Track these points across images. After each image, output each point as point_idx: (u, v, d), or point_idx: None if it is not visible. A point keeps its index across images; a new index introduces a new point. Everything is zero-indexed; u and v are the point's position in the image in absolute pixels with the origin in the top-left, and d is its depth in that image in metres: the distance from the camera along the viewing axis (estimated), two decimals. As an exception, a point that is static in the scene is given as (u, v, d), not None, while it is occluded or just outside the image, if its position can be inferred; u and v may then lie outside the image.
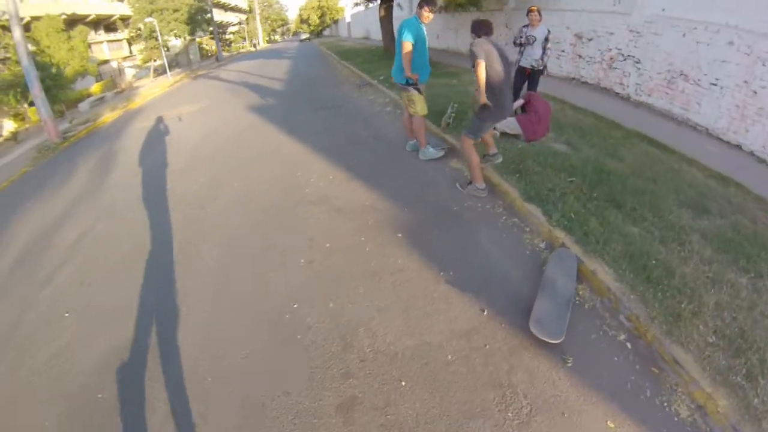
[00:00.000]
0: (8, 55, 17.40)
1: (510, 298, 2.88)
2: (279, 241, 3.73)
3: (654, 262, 2.96)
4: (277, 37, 71.18)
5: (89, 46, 23.45)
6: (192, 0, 27.45)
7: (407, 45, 4.44)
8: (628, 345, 2.53)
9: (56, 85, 14.74)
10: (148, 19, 24.26)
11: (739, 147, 5.52)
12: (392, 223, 3.77)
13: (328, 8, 49.02)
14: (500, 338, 2.59)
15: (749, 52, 5.30)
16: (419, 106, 4.84)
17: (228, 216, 4.34)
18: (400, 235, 3.57)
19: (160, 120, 10.39)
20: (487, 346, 2.54)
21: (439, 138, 5.77)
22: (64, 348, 2.93)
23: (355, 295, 3.00)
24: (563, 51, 10.04)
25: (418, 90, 4.78)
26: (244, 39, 49.48)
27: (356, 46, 25.01)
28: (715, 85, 5.95)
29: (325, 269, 3.30)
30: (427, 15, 4.47)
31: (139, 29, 26.79)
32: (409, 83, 4.73)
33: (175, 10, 25.88)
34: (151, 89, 20.34)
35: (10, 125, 19.03)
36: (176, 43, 30.84)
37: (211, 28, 30.74)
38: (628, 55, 7.88)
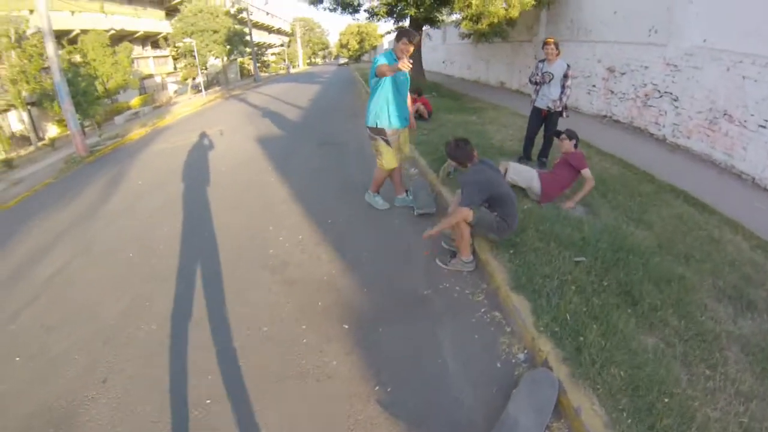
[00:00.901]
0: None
1: (453, 437, 2.19)
2: (220, 316, 3.23)
3: (667, 400, 2.15)
4: (317, 60, 73.21)
5: (132, 61, 24.45)
6: (231, 23, 28.42)
7: (379, 67, 3.83)
8: None
9: (87, 101, 15.24)
10: (186, 40, 25.21)
11: (789, 202, 4.66)
12: (344, 307, 3.17)
13: (367, 34, 50.00)
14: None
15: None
16: (386, 158, 4.31)
17: (184, 275, 3.90)
18: (346, 326, 2.96)
19: (175, 144, 10.67)
20: None
21: (433, 194, 5.06)
22: (5, 395, 2.70)
23: (270, 400, 2.45)
24: (594, 86, 9.38)
25: (387, 141, 4.25)
26: (284, 60, 50.98)
27: (388, 74, 24.99)
28: (764, 127, 5.15)
29: (252, 360, 2.76)
30: (403, 48, 3.88)
31: (177, 47, 27.89)
32: (378, 126, 4.21)
33: (215, 32, 26.79)
34: (184, 107, 20.90)
35: (54, 130, 19.93)
36: (215, 62, 31.89)
37: (249, 50, 31.66)
38: (665, 92, 7.09)
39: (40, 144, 17.43)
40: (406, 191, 4.89)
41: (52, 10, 19.33)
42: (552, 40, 5.31)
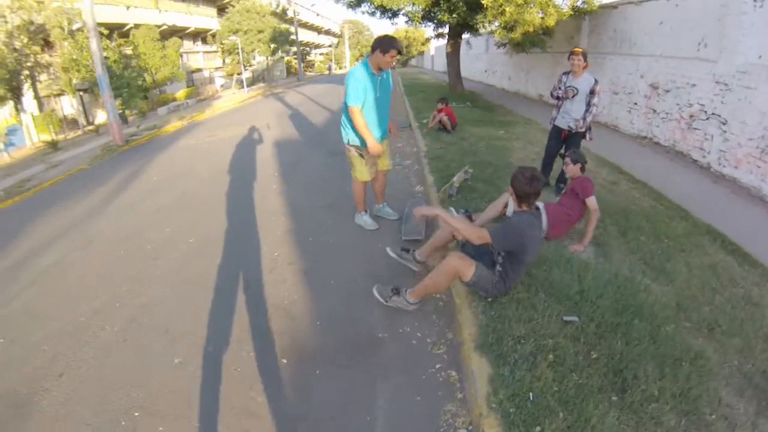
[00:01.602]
0: (106, 55, 19.48)
1: None
2: (175, 329, 3.13)
3: None
4: (366, 61, 74.02)
5: (182, 55, 25.45)
6: (276, 23, 29.05)
7: (354, 111, 3.75)
8: None
9: (129, 93, 15.96)
10: (231, 37, 26.01)
11: None
12: (291, 339, 2.91)
13: (414, 39, 49.73)
14: None
15: None
16: (358, 170, 4.13)
17: (157, 280, 3.88)
18: (285, 361, 2.71)
19: (200, 141, 11.06)
20: None
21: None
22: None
23: (188, 427, 2.30)
24: (635, 104, 8.66)
25: (360, 153, 4.04)
26: (330, 61, 51.73)
27: (429, 80, 24.71)
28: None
29: (185, 382, 2.60)
30: (390, 62, 3.68)
31: (223, 44, 28.84)
32: (350, 143, 4.03)
33: (260, 31, 27.47)
34: (225, 102, 21.51)
35: (103, 116, 21.08)
36: (260, 59, 32.70)
37: (294, 49, 32.24)
38: (712, 113, 6.32)
39: (86, 128, 18.40)
40: (400, 217, 4.67)
41: (108, 4, 20.46)
42: (580, 50, 4.65)
